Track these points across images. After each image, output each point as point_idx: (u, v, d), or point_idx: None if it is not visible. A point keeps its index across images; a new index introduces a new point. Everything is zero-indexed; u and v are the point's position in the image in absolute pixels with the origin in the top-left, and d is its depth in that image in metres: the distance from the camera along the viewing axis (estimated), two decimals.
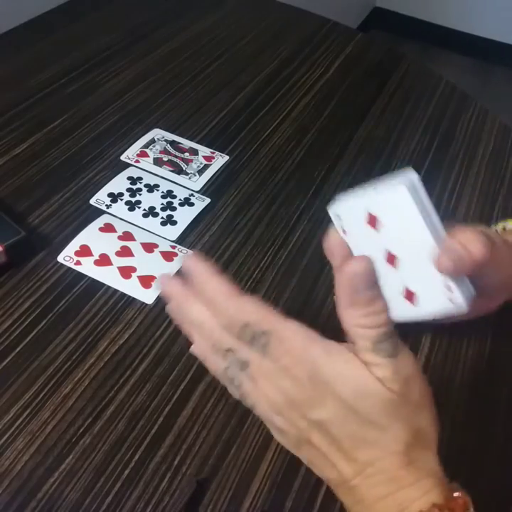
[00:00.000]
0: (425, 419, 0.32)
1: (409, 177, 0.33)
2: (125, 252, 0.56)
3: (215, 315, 0.33)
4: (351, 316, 0.31)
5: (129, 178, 0.64)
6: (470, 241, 0.33)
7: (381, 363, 0.30)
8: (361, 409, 0.30)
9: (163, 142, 0.70)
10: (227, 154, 0.70)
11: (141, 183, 0.64)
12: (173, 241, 0.58)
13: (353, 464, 0.31)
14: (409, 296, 0.34)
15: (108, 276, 0.54)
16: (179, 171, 0.66)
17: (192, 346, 0.36)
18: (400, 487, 0.31)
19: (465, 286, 0.34)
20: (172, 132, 0.72)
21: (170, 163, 0.67)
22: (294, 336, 0.31)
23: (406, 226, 0.32)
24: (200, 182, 0.65)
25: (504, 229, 0.48)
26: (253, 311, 0.32)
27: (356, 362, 0.31)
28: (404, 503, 0.30)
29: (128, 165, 0.66)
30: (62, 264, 0.55)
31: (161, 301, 0.53)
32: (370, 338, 0.31)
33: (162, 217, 0.60)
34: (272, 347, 0.31)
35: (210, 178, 0.66)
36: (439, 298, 0.33)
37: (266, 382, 0.32)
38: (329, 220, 0.35)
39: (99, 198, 0.62)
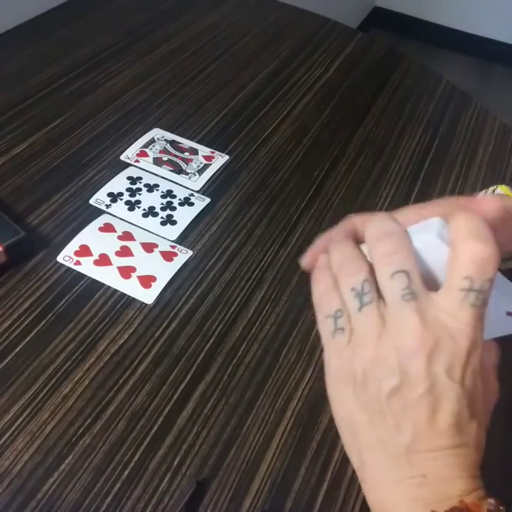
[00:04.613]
0: None
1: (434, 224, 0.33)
2: (125, 252, 0.56)
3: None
4: None
5: (128, 178, 0.64)
6: (485, 201, 0.33)
7: None
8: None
9: (163, 142, 0.70)
10: (227, 154, 0.70)
11: (140, 182, 0.64)
12: (173, 241, 0.58)
13: (459, 437, 0.29)
14: None
15: (108, 276, 0.54)
16: (179, 170, 0.66)
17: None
18: (469, 475, 0.30)
19: None
20: (172, 132, 0.72)
21: (170, 162, 0.67)
22: None
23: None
24: (200, 182, 0.65)
25: (493, 192, 0.48)
26: None
27: None
28: (466, 490, 0.29)
29: (128, 165, 0.66)
30: (61, 264, 0.55)
31: (160, 301, 0.53)
32: None
33: (162, 217, 0.60)
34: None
35: (210, 178, 0.66)
36: (505, 323, 0.34)
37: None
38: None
39: (99, 198, 0.62)
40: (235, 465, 0.43)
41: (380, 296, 0.31)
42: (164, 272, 0.55)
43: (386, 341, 0.30)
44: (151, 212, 0.60)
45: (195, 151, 0.69)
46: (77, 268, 0.55)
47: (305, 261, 0.37)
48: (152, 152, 0.68)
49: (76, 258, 0.55)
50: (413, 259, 0.30)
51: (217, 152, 0.70)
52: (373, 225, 0.32)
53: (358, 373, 0.31)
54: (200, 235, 0.60)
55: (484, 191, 0.50)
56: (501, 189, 0.47)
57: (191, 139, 0.71)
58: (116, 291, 0.53)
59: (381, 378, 0.30)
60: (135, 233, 0.58)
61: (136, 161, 0.67)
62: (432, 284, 0.31)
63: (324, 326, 0.33)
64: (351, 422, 0.32)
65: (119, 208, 0.61)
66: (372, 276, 0.31)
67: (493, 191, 0.48)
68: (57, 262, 0.55)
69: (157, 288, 0.54)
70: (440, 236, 0.31)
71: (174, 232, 0.59)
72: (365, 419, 0.31)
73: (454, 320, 0.29)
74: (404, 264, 0.30)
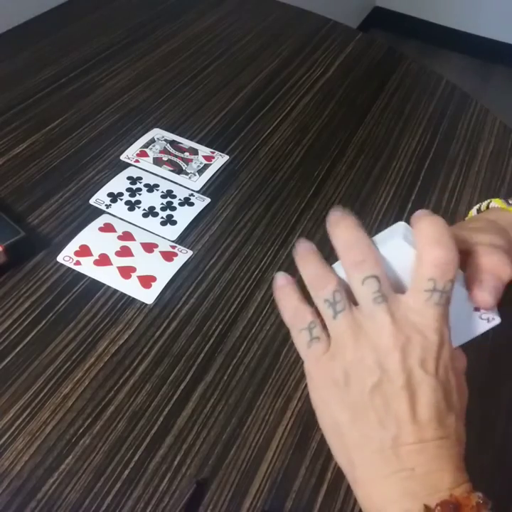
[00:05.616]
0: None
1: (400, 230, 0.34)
2: (125, 252, 0.56)
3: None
4: None
5: (128, 178, 0.64)
6: (498, 266, 0.35)
7: None
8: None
9: (163, 142, 0.70)
10: (227, 154, 0.70)
11: (140, 182, 0.64)
12: (173, 241, 0.58)
13: (441, 429, 0.30)
14: None
15: (108, 276, 0.54)
16: (179, 170, 0.66)
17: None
18: (455, 467, 0.30)
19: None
20: (172, 132, 0.72)
21: (170, 162, 0.67)
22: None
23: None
24: (200, 182, 0.65)
25: (487, 207, 0.49)
26: None
27: None
28: (454, 483, 0.30)
29: (128, 165, 0.66)
30: (61, 264, 0.55)
31: (160, 301, 0.53)
32: None
33: (162, 217, 0.60)
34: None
35: (210, 178, 0.66)
36: (475, 322, 0.35)
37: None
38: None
39: (99, 198, 0.62)
40: (235, 465, 0.43)
41: (351, 303, 0.33)
42: (164, 272, 0.55)
43: (363, 342, 0.32)
44: (151, 212, 0.60)
45: (195, 151, 0.69)
46: (77, 268, 0.55)
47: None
48: (152, 152, 0.68)
49: (76, 258, 0.55)
50: (381, 264, 0.32)
51: (217, 152, 0.70)
52: (338, 235, 0.35)
53: (339, 376, 0.32)
54: (200, 235, 0.60)
55: (478, 205, 0.50)
56: (496, 202, 0.47)
57: (191, 139, 0.71)
58: (116, 291, 0.53)
59: (362, 377, 0.31)
60: (135, 233, 0.58)
61: (136, 161, 0.67)
62: (400, 285, 0.33)
63: (299, 339, 0.34)
64: (336, 424, 0.33)
65: (119, 207, 0.61)
66: (341, 287, 0.33)
67: (488, 205, 0.48)
68: (57, 262, 0.55)
69: (157, 288, 0.54)
70: (407, 240, 0.33)
71: (174, 232, 0.59)
72: (349, 418, 0.32)
73: (421, 318, 0.31)
74: (373, 269, 0.32)
